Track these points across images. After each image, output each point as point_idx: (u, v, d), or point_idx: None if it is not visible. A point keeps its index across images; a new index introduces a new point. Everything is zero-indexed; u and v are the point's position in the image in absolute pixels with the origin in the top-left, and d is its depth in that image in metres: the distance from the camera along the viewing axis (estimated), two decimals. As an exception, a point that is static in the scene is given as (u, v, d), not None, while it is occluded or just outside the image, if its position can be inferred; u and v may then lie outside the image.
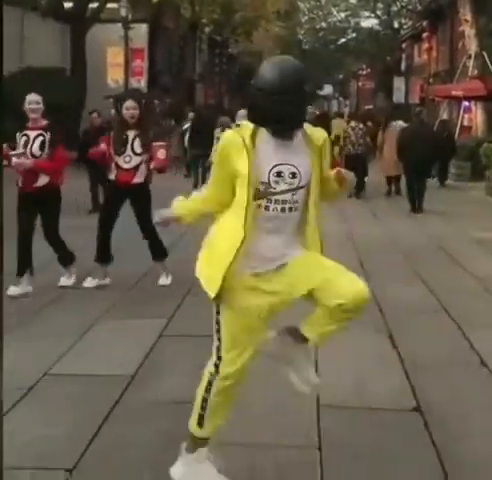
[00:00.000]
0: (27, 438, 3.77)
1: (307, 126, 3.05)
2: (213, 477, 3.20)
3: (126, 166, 6.98)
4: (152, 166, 7.07)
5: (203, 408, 3.16)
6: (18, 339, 5.19)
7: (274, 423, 3.96)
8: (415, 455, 3.65)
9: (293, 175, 2.96)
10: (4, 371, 4.31)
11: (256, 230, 2.97)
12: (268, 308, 3.06)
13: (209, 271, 3.07)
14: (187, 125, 20.32)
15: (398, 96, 40.82)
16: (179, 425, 3.71)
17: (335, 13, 52.67)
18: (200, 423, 3.18)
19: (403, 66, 44.58)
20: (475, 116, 25.69)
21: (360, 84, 62.10)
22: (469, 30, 25.24)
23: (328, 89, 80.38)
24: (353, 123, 16.68)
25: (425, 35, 39.80)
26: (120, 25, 24.28)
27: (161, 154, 7.01)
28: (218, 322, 3.15)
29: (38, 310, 6.34)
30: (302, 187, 2.99)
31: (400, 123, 16.11)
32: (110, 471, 3.47)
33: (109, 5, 26.65)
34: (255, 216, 2.95)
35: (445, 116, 31.23)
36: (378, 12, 50.85)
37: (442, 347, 5.42)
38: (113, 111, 22.61)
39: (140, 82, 24.04)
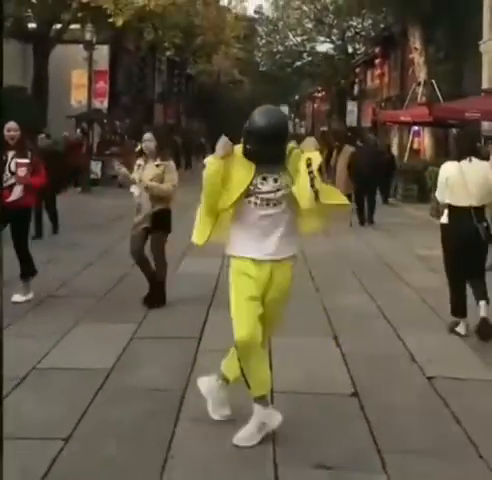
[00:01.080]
0: (25, 416, 4.45)
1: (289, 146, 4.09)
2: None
3: (5, 185, 7.21)
4: (15, 180, 7.30)
5: (243, 374, 4.14)
6: (11, 336, 5.86)
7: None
8: (352, 430, 4.42)
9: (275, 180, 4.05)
10: None
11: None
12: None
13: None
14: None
15: (351, 119, 41.97)
16: (155, 407, 4.49)
17: (291, 37, 53.81)
18: (248, 386, 4.19)
19: (356, 90, 45.80)
20: (423, 141, 26.84)
21: (315, 106, 63.40)
22: (418, 58, 26.42)
23: (284, 110, 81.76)
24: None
25: (377, 61, 41.11)
26: (82, 46, 24.86)
27: (21, 171, 7.31)
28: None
29: (23, 314, 7.01)
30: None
31: (351, 148, 16.94)
32: (100, 440, 4.17)
33: (72, 26, 27.28)
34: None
35: (395, 140, 32.47)
36: (333, 37, 52.13)
37: (379, 346, 6.25)
38: (79, 131, 23.30)
39: (103, 103, 24.68)
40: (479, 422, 4.54)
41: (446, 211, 6.76)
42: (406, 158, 26.89)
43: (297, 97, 76.70)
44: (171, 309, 7.37)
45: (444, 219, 6.78)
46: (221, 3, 34.35)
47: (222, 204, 4.08)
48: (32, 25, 27.43)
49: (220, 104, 53.47)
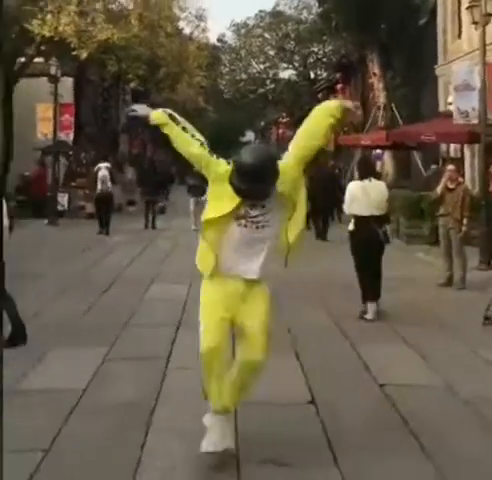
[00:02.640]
0: (6, 431, 4.79)
1: None
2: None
3: None
4: None
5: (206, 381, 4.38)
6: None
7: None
8: (308, 433, 4.83)
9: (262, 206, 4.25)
10: None
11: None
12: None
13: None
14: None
15: (314, 144, 42.56)
16: (126, 420, 4.87)
17: (254, 65, 54.72)
18: (205, 396, 4.43)
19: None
20: (384, 163, 27.50)
21: (280, 131, 64.19)
22: (377, 83, 27.21)
23: (250, 136, 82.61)
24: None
25: (339, 86, 41.96)
26: (46, 79, 25.21)
27: None
28: None
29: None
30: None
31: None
32: (76, 451, 4.53)
33: (36, 59, 27.64)
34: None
35: (358, 163, 33.10)
36: (295, 63, 53.13)
37: (335, 358, 6.70)
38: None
39: (68, 136, 24.98)
40: (425, 423, 4.99)
41: (353, 220, 8.51)
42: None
43: (263, 123, 77.67)
44: (140, 332, 7.74)
45: (351, 227, 8.55)
46: (183, 33, 34.97)
47: (214, 212, 4.25)
48: (-4, 59, 27.77)
49: (186, 132, 54.02)
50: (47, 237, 18.09)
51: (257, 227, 4.25)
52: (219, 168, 4.25)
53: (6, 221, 7.02)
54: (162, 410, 5.19)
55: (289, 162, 4.33)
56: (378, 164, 29.09)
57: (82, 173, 26.66)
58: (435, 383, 6.00)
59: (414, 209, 16.24)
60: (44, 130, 23.78)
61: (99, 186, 19.15)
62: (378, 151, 28.01)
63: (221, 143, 66.05)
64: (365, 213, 8.30)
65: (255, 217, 4.23)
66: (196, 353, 4.47)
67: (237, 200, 4.17)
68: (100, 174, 19.32)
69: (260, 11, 52.31)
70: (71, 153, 27.46)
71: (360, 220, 8.35)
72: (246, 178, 4.08)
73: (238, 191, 4.14)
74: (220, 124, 62.87)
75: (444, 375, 6.15)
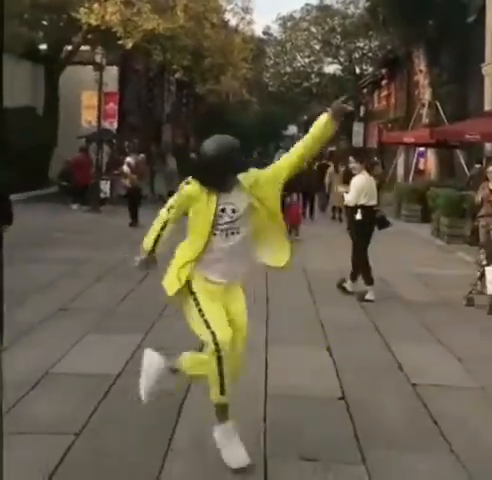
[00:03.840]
0: (40, 414, 4.88)
1: (241, 175, 4.23)
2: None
3: None
4: None
5: (222, 377, 4.14)
6: (26, 345, 6.36)
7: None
8: (337, 430, 4.83)
9: (233, 211, 4.21)
10: (15, 370, 5.51)
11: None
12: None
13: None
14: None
15: (357, 140, 42.39)
16: (159, 406, 4.91)
17: (299, 58, 54.58)
18: (222, 391, 4.18)
19: (362, 111, 46.30)
20: (428, 161, 27.26)
21: (323, 126, 63.77)
22: (423, 80, 26.94)
23: (292, 129, 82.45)
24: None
25: (384, 82, 41.67)
26: (91, 67, 25.48)
27: None
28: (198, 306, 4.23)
29: (38, 323, 7.47)
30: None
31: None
32: (107, 435, 4.59)
33: (82, 48, 27.95)
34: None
35: (401, 160, 32.90)
36: (341, 58, 52.90)
37: (368, 355, 6.67)
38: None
39: (112, 124, 25.22)
40: (456, 424, 4.95)
41: (359, 210, 9.42)
42: (411, 178, 27.35)
43: (306, 117, 77.43)
44: (175, 321, 7.77)
45: (358, 216, 9.45)
46: (229, 25, 35.02)
47: (197, 239, 4.22)
48: (43, 47, 28.12)
49: (229, 124, 54.13)
50: (88, 224, 18.29)
51: (227, 235, 4.22)
52: (187, 192, 4.22)
53: None
54: (194, 397, 5.22)
55: (267, 171, 4.35)
56: (421, 162, 28.92)
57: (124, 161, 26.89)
58: (469, 384, 5.94)
59: (456, 208, 16.08)
60: (88, 118, 24.04)
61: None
62: (421, 149, 27.80)
63: (263, 136, 66.30)
64: (371, 203, 9.51)
65: (225, 224, 4.20)
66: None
67: (212, 210, 4.14)
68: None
69: (306, 4, 52.54)
70: (114, 141, 27.71)
71: (367, 209, 9.46)
72: (212, 167, 4.11)
73: (203, 182, 4.16)
74: (263, 117, 62.83)
75: (479, 377, 6.09)
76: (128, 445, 4.46)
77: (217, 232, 4.20)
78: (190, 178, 4.26)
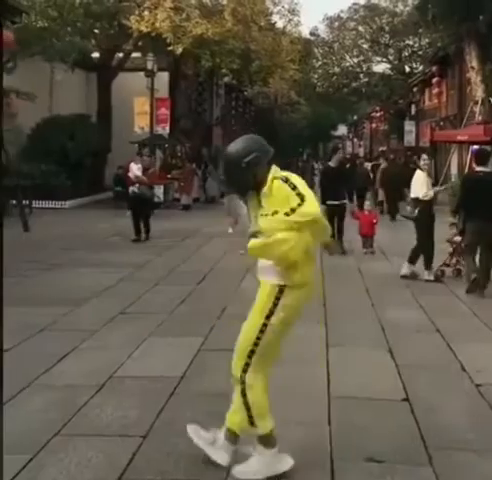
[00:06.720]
0: (107, 417, 4.97)
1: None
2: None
3: None
4: None
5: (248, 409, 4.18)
6: (89, 349, 6.50)
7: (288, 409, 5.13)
8: (402, 431, 4.81)
9: None
10: (80, 373, 5.63)
11: None
12: None
13: None
14: None
15: (409, 139, 41.93)
16: (220, 410, 4.93)
17: (348, 58, 54.27)
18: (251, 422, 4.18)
19: (413, 110, 45.82)
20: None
21: (373, 126, 63.48)
22: (475, 77, 26.56)
23: (342, 130, 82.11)
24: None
25: (435, 80, 41.09)
26: (142, 73, 25.82)
27: None
28: None
29: (100, 328, 7.61)
30: None
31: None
32: (173, 438, 4.66)
33: (133, 54, 28.35)
34: None
35: (455, 159, 32.48)
36: (390, 57, 52.43)
37: (431, 357, 6.62)
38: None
39: (164, 129, 25.49)
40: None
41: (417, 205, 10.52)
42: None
43: (355, 117, 77.02)
44: (234, 323, 7.82)
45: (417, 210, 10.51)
46: (276, 27, 35.01)
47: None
48: (95, 55, 28.56)
49: (278, 126, 54.12)
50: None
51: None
52: None
53: None
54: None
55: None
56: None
57: (177, 165, 27.20)
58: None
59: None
60: (141, 123, 24.34)
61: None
62: (475, 147, 27.40)
63: (313, 137, 66.12)
64: (427, 197, 10.47)
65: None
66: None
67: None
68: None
69: (354, 4, 51.86)
70: (166, 146, 27.97)
71: (424, 202, 10.47)
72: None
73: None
74: (312, 118, 62.67)
75: None
76: (195, 446, 4.51)
77: None
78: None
